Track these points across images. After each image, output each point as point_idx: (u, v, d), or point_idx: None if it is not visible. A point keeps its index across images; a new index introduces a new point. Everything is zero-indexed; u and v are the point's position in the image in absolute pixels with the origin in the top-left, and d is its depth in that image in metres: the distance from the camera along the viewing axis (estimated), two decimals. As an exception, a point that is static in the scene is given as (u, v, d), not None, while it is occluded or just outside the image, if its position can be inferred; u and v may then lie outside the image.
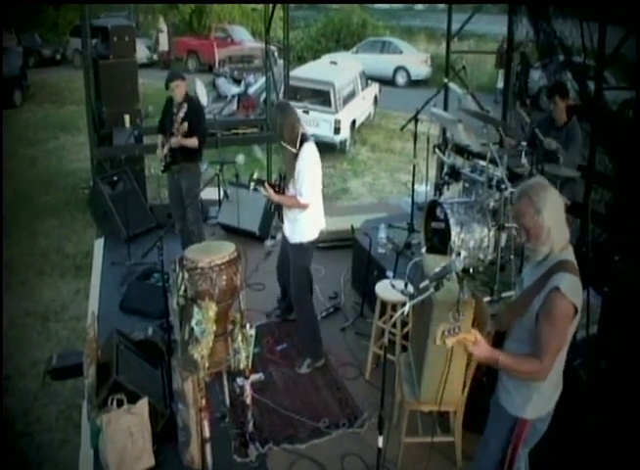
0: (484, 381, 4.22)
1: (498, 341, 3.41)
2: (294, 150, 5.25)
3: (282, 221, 5.59)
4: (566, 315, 3.01)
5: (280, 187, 5.37)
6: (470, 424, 4.43)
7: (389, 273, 5.82)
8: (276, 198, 5.34)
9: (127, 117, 9.53)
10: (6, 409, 5.64)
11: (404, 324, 5.27)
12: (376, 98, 17.11)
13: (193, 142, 6.84)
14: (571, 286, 3.01)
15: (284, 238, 5.71)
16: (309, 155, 5.29)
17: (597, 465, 4.10)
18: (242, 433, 4.77)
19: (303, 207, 5.31)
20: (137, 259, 7.46)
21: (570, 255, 3.14)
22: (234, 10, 27.75)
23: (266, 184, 5.30)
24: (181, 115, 6.77)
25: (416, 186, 7.40)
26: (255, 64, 20.21)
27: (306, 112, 13.24)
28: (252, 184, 5.37)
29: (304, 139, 5.32)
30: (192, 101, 7.01)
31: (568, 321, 3.04)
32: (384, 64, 22.65)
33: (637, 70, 5.67)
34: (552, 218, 3.04)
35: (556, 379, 3.25)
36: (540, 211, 3.03)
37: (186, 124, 6.74)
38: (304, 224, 5.41)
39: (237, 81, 15.88)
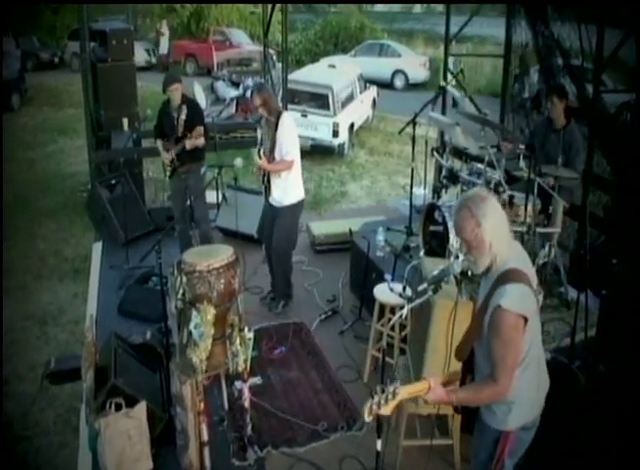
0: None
1: (469, 369, 3.36)
2: (274, 119, 6.16)
3: (269, 192, 6.37)
4: (513, 328, 2.93)
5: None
6: (468, 427, 4.41)
7: (388, 276, 5.82)
8: (270, 166, 6.20)
9: (126, 121, 9.53)
10: (4, 413, 5.62)
11: (403, 327, 5.27)
12: (374, 101, 17.10)
13: (201, 140, 6.94)
14: (512, 298, 2.93)
15: (270, 207, 6.50)
16: (288, 122, 6.23)
17: (595, 468, 4.10)
18: (240, 436, 4.77)
19: (290, 166, 6.18)
20: (135, 263, 7.46)
21: (513, 261, 3.06)
22: (232, 13, 27.76)
23: (262, 154, 6.18)
24: (183, 117, 6.81)
25: (414, 189, 7.40)
26: (254, 67, 20.20)
27: (305, 115, 13.25)
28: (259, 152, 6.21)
29: (281, 111, 6.36)
30: (190, 101, 7.07)
31: (517, 333, 2.95)
32: (382, 67, 22.65)
33: (637, 73, 5.68)
34: (493, 230, 2.99)
35: (535, 386, 3.18)
36: (480, 224, 2.98)
37: (201, 128, 6.81)
38: (292, 186, 6.30)
39: (235, 84, 15.86)
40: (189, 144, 6.83)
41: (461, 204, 3.09)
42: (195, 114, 6.96)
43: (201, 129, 6.85)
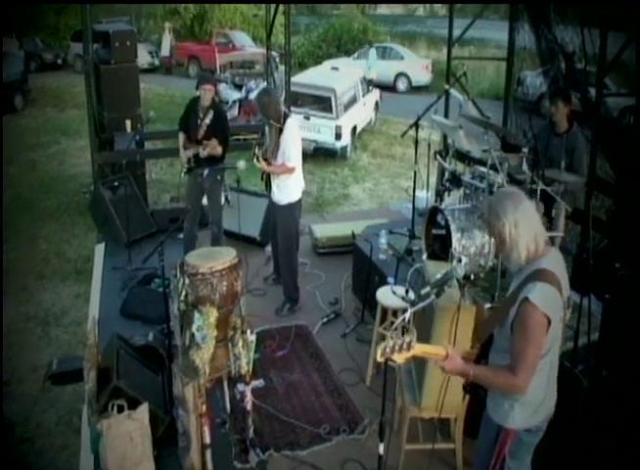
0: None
1: (484, 353, 3.38)
2: (279, 125, 6.23)
3: (270, 190, 6.56)
4: (538, 326, 2.95)
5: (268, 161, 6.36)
6: (470, 431, 4.41)
7: (390, 279, 5.81)
8: (269, 168, 6.33)
9: (129, 122, 9.53)
10: (5, 415, 5.62)
11: (405, 330, 5.26)
12: (377, 104, 17.12)
13: (219, 151, 6.91)
14: (541, 295, 2.95)
15: (273, 204, 6.73)
16: (292, 127, 6.29)
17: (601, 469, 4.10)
18: (242, 439, 4.77)
19: (291, 171, 6.30)
20: (138, 265, 7.45)
21: (547, 262, 3.07)
22: (235, 15, 27.84)
23: (261, 158, 6.26)
24: (207, 121, 6.85)
25: (417, 192, 7.40)
26: (257, 69, 20.18)
27: (307, 118, 13.26)
28: (254, 157, 6.27)
29: (287, 115, 6.35)
30: (218, 108, 7.12)
31: (540, 332, 2.97)
32: (385, 70, 22.68)
33: (638, 77, 5.68)
34: (516, 225, 3.01)
35: (544, 390, 3.18)
36: (500, 218, 3.03)
37: (216, 141, 6.83)
38: (291, 186, 6.43)
39: (238, 87, 15.87)
40: (203, 153, 6.84)
41: (489, 201, 3.16)
42: (219, 121, 6.96)
43: (215, 142, 6.81)
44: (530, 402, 3.16)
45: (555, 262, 3.12)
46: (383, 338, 2.96)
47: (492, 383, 3.15)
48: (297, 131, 6.42)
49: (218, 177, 7.17)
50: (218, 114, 7.03)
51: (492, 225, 3.09)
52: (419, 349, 3.01)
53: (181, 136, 7.18)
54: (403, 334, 2.98)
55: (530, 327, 2.95)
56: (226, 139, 7.08)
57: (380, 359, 2.97)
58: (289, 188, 6.44)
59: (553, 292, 3.00)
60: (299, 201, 6.61)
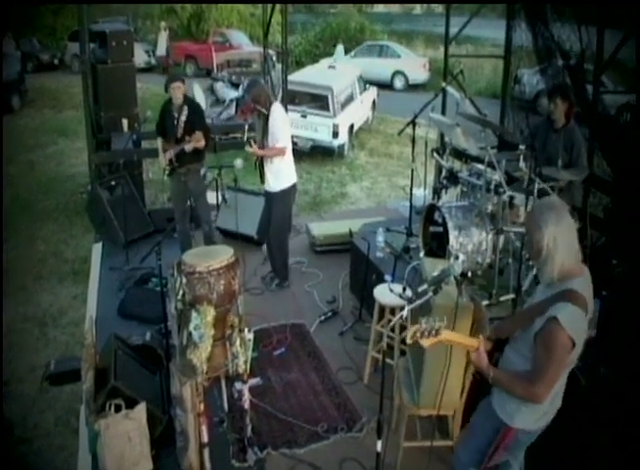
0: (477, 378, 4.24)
1: (498, 347, 3.40)
2: (265, 111, 6.54)
3: (264, 180, 6.79)
4: (563, 347, 2.98)
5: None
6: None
7: (388, 277, 5.82)
8: (261, 152, 6.60)
9: (126, 122, 9.54)
10: (5, 415, 5.61)
11: (403, 328, 5.26)
12: (374, 102, 17.10)
13: (202, 142, 6.97)
14: (569, 318, 2.96)
15: (266, 194, 6.99)
16: (278, 110, 6.64)
17: (598, 468, 4.10)
18: (240, 438, 4.77)
19: (282, 152, 6.59)
20: (135, 264, 7.46)
21: (579, 284, 3.07)
22: (232, 15, 27.81)
23: (252, 142, 6.56)
24: (183, 118, 6.86)
25: (414, 190, 7.40)
26: (254, 68, 20.16)
27: (304, 116, 13.24)
28: (246, 140, 6.62)
29: (272, 102, 6.67)
30: (191, 102, 7.13)
31: (564, 353, 3.00)
32: (382, 68, 22.67)
33: (637, 74, 5.68)
34: (555, 240, 3.01)
35: (551, 398, 3.19)
36: (540, 229, 3.02)
37: (200, 134, 6.85)
38: (284, 172, 6.73)
39: (235, 86, 15.84)
40: (188, 147, 6.86)
41: (532, 208, 3.16)
42: (195, 116, 6.99)
43: (200, 134, 6.86)
44: (537, 410, 3.21)
45: (586, 285, 3.13)
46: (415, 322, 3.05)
47: (510, 389, 3.18)
48: (283, 113, 6.79)
49: (201, 174, 7.21)
50: (193, 108, 7.07)
51: (531, 234, 3.10)
52: (448, 336, 3.10)
53: (159, 140, 7.22)
54: (434, 320, 3.07)
55: (555, 348, 2.98)
56: (207, 131, 7.14)
57: (409, 342, 3.08)
58: (282, 173, 6.71)
59: (581, 315, 3.02)
60: (293, 186, 6.93)
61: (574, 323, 2.98)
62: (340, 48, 22.96)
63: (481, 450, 3.44)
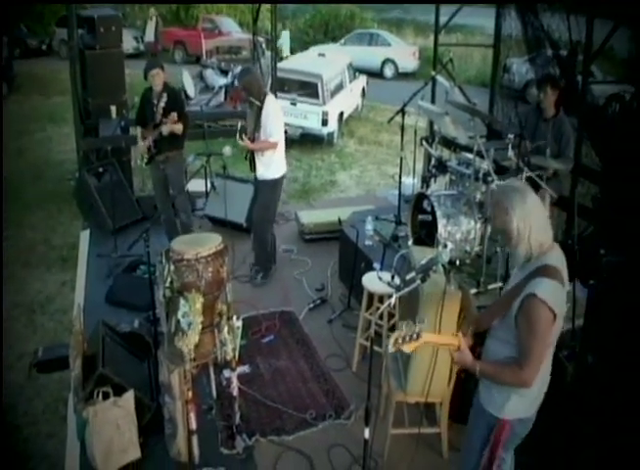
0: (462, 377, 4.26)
1: (479, 341, 3.40)
2: (259, 103, 6.42)
3: (254, 169, 6.72)
4: (544, 321, 2.98)
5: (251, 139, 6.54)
6: (456, 415, 4.45)
7: (376, 265, 5.83)
8: (252, 145, 6.50)
9: (114, 108, 9.47)
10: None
11: (391, 316, 5.28)
12: (364, 90, 17.08)
13: (179, 128, 6.88)
14: (548, 291, 2.97)
15: (255, 182, 7.07)
16: (272, 103, 6.52)
17: (584, 458, 4.12)
18: (229, 425, 4.78)
19: (274, 146, 6.50)
20: (123, 251, 7.44)
21: (552, 258, 3.08)
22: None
23: (244, 136, 6.44)
24: (162, 104, 6.79)
25: (403, 179, 7.40)
26: (243, 55, 20.06)
27: (294, 104, 13.22)
28: (239, 134, 6.49)
29: (266, 94, 6.55)
30: (171, 89, 7.06)
31: (547, 327, 3.00)
32: (372, 56, 22.62)
33: (637, 64, 5.69)
34: (524, 220, 3.00)
35: (540, 382, 3.20)
36: (507, 212, 3.02)
37: (175, 114, 6.73)
38: (276, 163, 6.63)
39: (224, 72, 15.74)
40: (165, 130, 6.77)
41: (494, 194, 3.17)
42: (174, 101, 6.91)
43: (175, 115, 6.76)
44: (526, 395, 3.20)
45: (559, 259, 3.14)
46: (392, 330, 3.03)
47: (499, 379, 3.18)
48: (277, 107, 6.62)
49: (180, 162, 7.16)
50: (172, 94, 6.99)
51: (499, 219, 3.08)
52: (428, 338, 3.08)
53: (138, 129, 7.20)
54: (413, 324, 3.04)
55: (537, 322, 2.97)
56: (184, 116, 7.04)
57: (392, 350, 3.04)
58: (273, 164, 6.63)
59: (558, 287, 3.02)
60: (283, 177, 6.85)
61: (553, 295, 2.97)
62: (285, 34, 22.97)
63: (480, 452, 3.40)
